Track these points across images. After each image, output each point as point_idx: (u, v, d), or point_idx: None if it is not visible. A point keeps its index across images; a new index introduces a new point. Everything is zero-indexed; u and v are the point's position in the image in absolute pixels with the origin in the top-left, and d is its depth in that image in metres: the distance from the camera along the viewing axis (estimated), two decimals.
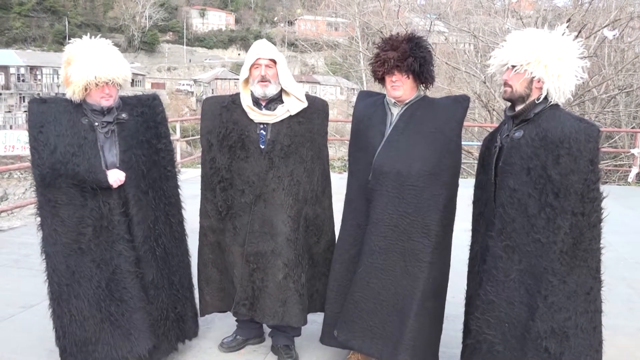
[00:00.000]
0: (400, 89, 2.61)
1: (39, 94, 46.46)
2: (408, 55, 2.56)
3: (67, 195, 2.55)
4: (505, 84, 2.34)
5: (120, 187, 2.62)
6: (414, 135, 2.60)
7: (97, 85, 2.55)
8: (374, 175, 2.60)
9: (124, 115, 2.69)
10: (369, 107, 2.79)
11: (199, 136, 3.00)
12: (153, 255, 2.75)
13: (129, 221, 2.66)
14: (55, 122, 2.56)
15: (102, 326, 2.62)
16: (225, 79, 56.97)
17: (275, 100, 2.83)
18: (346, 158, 5.81)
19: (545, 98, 2.28)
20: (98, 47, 2.58)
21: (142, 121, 2.74)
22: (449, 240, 2.68)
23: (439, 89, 15.32)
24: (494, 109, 13.25)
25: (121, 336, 2.63)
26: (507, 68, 2.31)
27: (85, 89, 2.56)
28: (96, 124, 2.62)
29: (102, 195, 2.58)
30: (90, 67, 2.51)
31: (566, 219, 2.13)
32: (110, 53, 2.59)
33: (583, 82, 12.43)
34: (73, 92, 2.56)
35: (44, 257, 2.64)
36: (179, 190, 2.92)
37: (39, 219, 2.62)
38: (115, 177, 2.59)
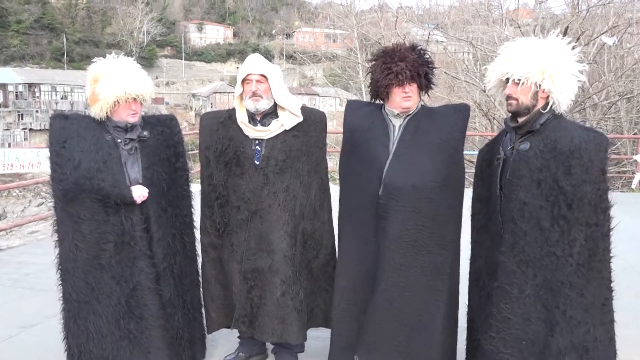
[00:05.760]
0: (411, 99, 2.59)
1: (37, 111, 46.72)
2: (419, 64, 2.56)
3: (89, 210, 2.58)
4: (510, 97, 2.30)
5: (142, 203, 2.66)
6: (421, 147, 2.57)
7: (126, 101, 2.60)
8: (386, 191, 2.56)
9: (145, 133, 2.74)
10: (365, 118, 2.73)
11: (198, 151, 3.01)
12: (171, 272, 2.79)
13: (150, 238, 2.70)
14: (78, 137, 2.61)
15: (121, 344, 2.63)
16: (224, 92, 57.17)
17: (270, 115, 2.80)
18: None
19: (550, 107, 2.25)
20: (125, 64, 2.66)
21: (162, 140, 2.81)
22: (460, 250, 2.68)
23: (439, 99, 15.35)
24: (494, 118, 13.28)
25: (140, 354, 2.65)
26: (511, 82, 2.27)
27: (114, 105, 2.60)
28: (119, 140, 2.67)
29: (125, 211, 2.62)
30: (120, 83, 2.57)
31: (581, 230, 2.12)
32: (136, 70, 2.68)
33: (583, 89, 12.48)
34: (100, 109, 2.61)
35: (59, 275, 2.66)
36: (192, 209, 2.96)
37: (56, 235, 2.65)
38: (139, 192, 2.63)
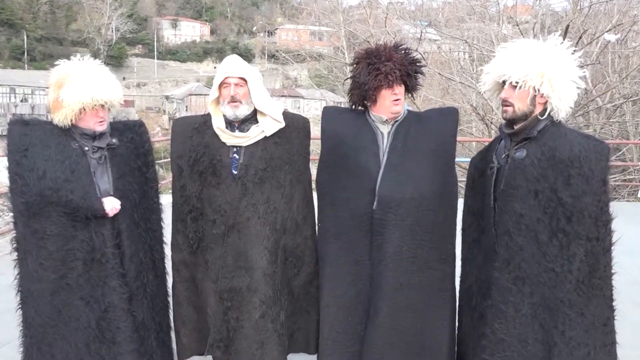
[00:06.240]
0: (400, 103, 2.61)
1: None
2: (407, 63, 2.58)
3: (56, 225, 2.55)
4: (505, 102, 2.32)
5: (113, 217, 2.65)
6: (415, 155, 2.59)
7: (92, 108, 2.58)
8: (381, 205, 2.56)
9: (114, 140, 2.74)
10: (349, 126, 2.73)
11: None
12: (144, 292, 2.78)
13: (122, 254, 2.69)
14: (42, 145, 2.57)
15: None
16: (200, 94, 56.95)
17: (249, 121, 2.80)
18: None
19: (549, 114, 2.28)
20: (92, 68, 2.64)
21: (132, 148, 2.81)
22: (455, 264, 2.70)
23: (432, 102, 15.46)
24: (491, 122, 13.39)
25: None
26: (508, 85, 2.29)
27: (80, 113, 2.58)
28: (87, 148, 2.65)
29: (95, 225, 2.60)
30: (87, 89, 2.55)
31: (581, 244, 2.14)
32: (104, 74, 2.66)
33: (586, 91, 12.65)
34: (64, 116, 2.58)
35: (20, 297, 2.62)
36: (162, 224, 2.95)
37: (16, 253, 2.61)
38: (111, 204, 2.63)
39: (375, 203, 2.57)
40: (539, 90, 2.23)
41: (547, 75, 2.21)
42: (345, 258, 2.68)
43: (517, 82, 2.25)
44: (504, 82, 2.31)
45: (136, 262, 2.75)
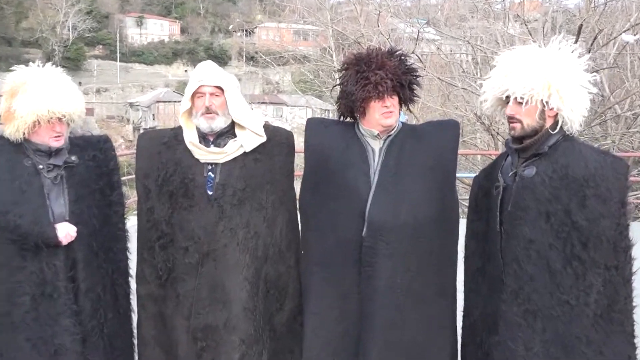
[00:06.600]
0: (393, 115, 2.62)
1: None
2: (402, 72, 2.59)
3: (1, 254, 2.55)
4: (512, 119, 2.35)
5: (68, 245, 2.62)
6: (410, 174, 2.61)
7: (49, 121, 2.58)
8: (372, 231, 2.56)
9: (73, 158, 2.72)
10: (336, 141, 2.75)
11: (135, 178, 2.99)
12: (100, 333, 2.74)
13: (76, 289, 2.66)
14: None
15: None
16: (169, 101, 56.94)
17: (225, 135, 2.82)
18: None
19: (560, 127, 2.31)
20: (51, 76, 2.64)
21: (93, 166, 2.79)
22: (457, 298, 2.71)
23: (431, 110, 15.59)
24: (498, 133, 13.50)
25: None
26: (513, 101, 2.31)
27: (34, 126, 2.57)
28: (41, 166, 2.64)
29: (46, 255, 2.58)
30: (43, 99, 2.55)
31: (598, 274, 2.17)
32: (65, 84, 2.66)
33: (603, 98, 12.79)
34: (16, 129, 2.57)
35: None
36: (128, 254, 2.93)
37: None
38: (66, 231, 2.60)
39: (364, 229, 2.58)
40: (547, 103, 2.26)
41: (554, 86, 2.23)
42: (331, 291, 2.68)
43: (522, 98, 2.27)
44: (507, 97, 2.33)
45: (93, 297, 2.72)
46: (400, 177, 2.60)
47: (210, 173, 2.79)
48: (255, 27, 71.87)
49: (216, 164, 2.79)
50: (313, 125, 2.89)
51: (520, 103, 2.29)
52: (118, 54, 70.16)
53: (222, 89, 2.77)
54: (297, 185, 3.02)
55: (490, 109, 2.50)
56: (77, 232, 2.65)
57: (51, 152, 2.66)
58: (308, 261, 2.79)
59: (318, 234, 2.74)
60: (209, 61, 2.92)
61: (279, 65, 29.76)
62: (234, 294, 2.75)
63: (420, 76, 2.72)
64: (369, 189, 2.61)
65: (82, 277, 2.69)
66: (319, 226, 2.74)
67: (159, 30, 78.82)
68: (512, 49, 2.45)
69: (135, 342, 2.97)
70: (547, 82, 2.24)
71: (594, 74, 2.36)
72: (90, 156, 2.80)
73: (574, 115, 2.28)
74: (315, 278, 2.75)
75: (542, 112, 2.29)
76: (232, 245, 2.76)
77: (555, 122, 2.32)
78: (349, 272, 2.62)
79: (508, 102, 2.34)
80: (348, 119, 2.77)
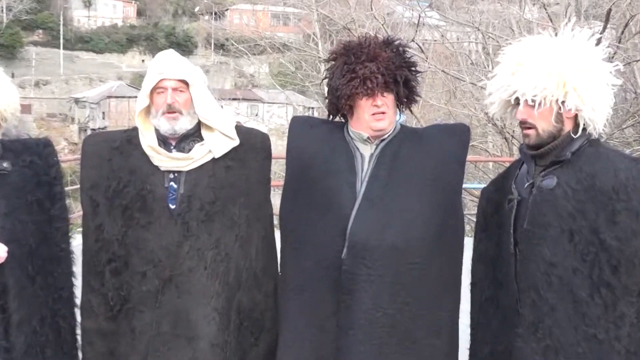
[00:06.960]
0: (386, 117, 2.61)
1: None
2: (397, 66, 2.59)
3: None
4: (524, 123, 2.36)
5: None
6: (404, 187, 2.59)
7: None
8: (353, 253, 2.54)
9: (5, 164, 2.70)
10: (321, 143, 2.75)
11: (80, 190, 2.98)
12: None
13: (6, 321, 2.64)
14: None
15: None
16: (122, 97, 56.76)
17: (191, 137, 2.82)
18: None
19: (584, 130, 2.32)
20: None
21: (30, 174, 2.77)
22: (458, 337, 2.69)
23: (435, 108, 15.68)
24: (513, 136, 13.60)
25: None
26: (523, 103, 2.32)
27: None
28: None
29: None
30: None
31: (631, 303, 2.18)
32: None
33: (637, 96, 12.91)
34: None
35: None
36: (73, 279, 2.91)
37: None
38: None
39: (344, 250, 2.56)
40: (563, 103, 2.27)
41: (570, 84, 2.24)
42: (307, 321, 2.67)
43: (533, 100, 2.28)
44: (517, 99, 2.34)
45: (27, 331, 2.69)
46: (392, 190, 2.59)
47: (172, 183, 2.79)
48: (226, 10, 71.77)
49: (180, 172, 2.79)
50: (297, 125, 2.90)
51: (532, 105, 2.30)
52: (61, 41, 69.88)
53: (186, 84, 2.78)
54: (275, 198, 3.03)
55: (498, 112, 2.51)
56: (9, 252, 2.61)
57: None
58: (284, 285, 2.78)
59: (296, 253, 2.73)
60: (171, 50, 2.93)
61: (253, 54, 29.73)
62: (200, 328, 2.74)
63: (419, 72, 2.71)
64: (353, 203, 2.59)
65: (14, 307, 2.66)
66: (298, 244, 2.73)
67: (111, 12, 78.67)
68: (527, 38, 2.46)
69: None
70: (562, 79, 2.25)
71: (617, 64, 2.37)
72: (26, 162, 2.78)
73: (596, 115, 2.29)
74: (291, 305, 2.73)
75: (559, 114, 2.31)
76: (198, 269, 2.76)
77: (577, 125, 2.34)
78: (327, 299, 2.60)
79: (518, 105, 2.36)
80: (339, 119, 2.77)
